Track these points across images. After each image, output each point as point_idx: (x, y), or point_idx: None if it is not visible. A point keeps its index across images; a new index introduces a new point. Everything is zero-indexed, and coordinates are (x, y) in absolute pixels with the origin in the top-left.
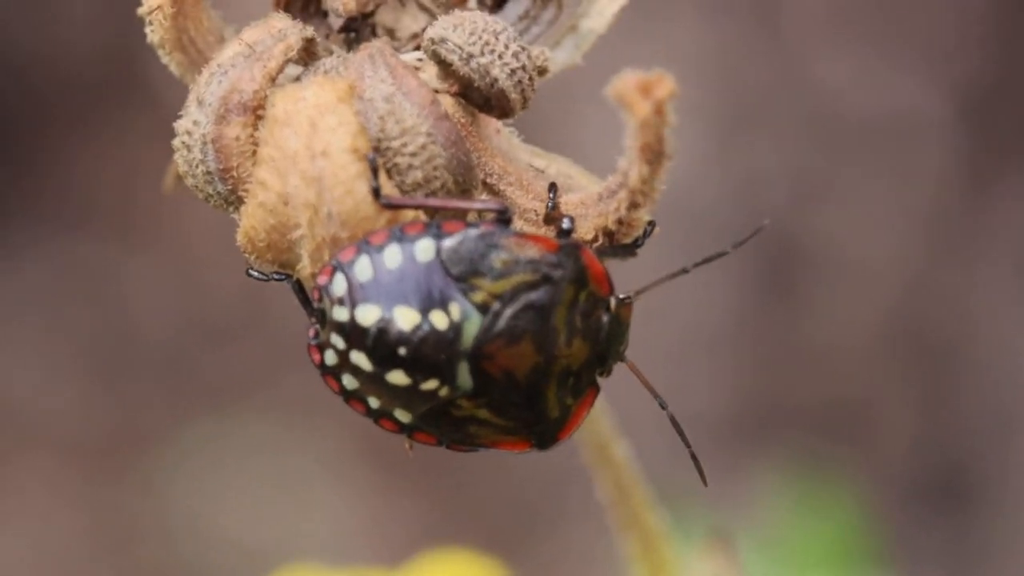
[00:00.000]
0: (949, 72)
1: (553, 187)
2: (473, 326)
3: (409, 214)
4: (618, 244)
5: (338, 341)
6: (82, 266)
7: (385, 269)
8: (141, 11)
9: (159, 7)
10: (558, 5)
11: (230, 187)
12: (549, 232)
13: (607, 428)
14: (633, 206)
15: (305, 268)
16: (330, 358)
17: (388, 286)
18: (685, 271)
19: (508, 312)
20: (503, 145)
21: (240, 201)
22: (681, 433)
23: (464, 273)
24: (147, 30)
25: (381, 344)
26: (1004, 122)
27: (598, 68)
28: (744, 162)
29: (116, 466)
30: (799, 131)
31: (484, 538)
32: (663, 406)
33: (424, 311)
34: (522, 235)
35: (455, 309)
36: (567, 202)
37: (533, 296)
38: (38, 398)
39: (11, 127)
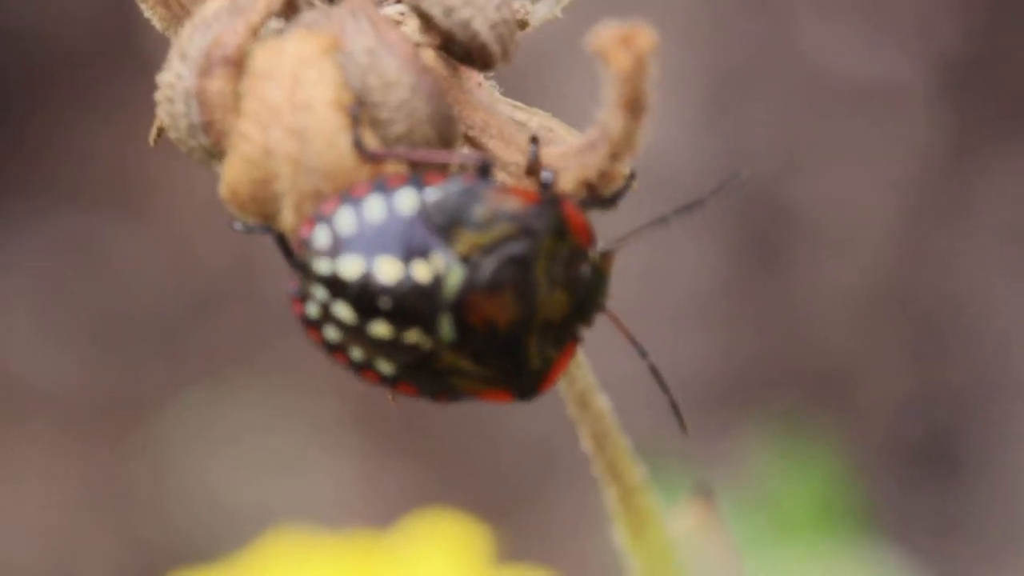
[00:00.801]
0: (935, 41)
1: (534, 140)
2: (455, 277)
3: (391, 167)
4: (599, 196)
5: (320, 293)
6: (75, 236)
7: (367, 221)
8: None
9: None
10: None
11: (213, 140)
12: (531, 185)
13: (588, 381)
14: (614, 159)
15: (287, 221)
16: (312, 310)
17: (370, 237)
18: (664, 219)
19: (490, 263)
20: (484, 98)
21: (223, 154)
22: (661, 382)
23: (446, 225)
24: None
25: (363, 295)
26: (990, 90)
27: (581, 22)
28: (731, 130)
29: (111, 434)
30: (786, 99)
31: (474, 502)
32: (643, 354)
33: (406, 262)
34: (503, 188)
35: (437, 260)
36: (548, 155)
37: (515, 248)
38: (32, 369)
39: (3, 99)
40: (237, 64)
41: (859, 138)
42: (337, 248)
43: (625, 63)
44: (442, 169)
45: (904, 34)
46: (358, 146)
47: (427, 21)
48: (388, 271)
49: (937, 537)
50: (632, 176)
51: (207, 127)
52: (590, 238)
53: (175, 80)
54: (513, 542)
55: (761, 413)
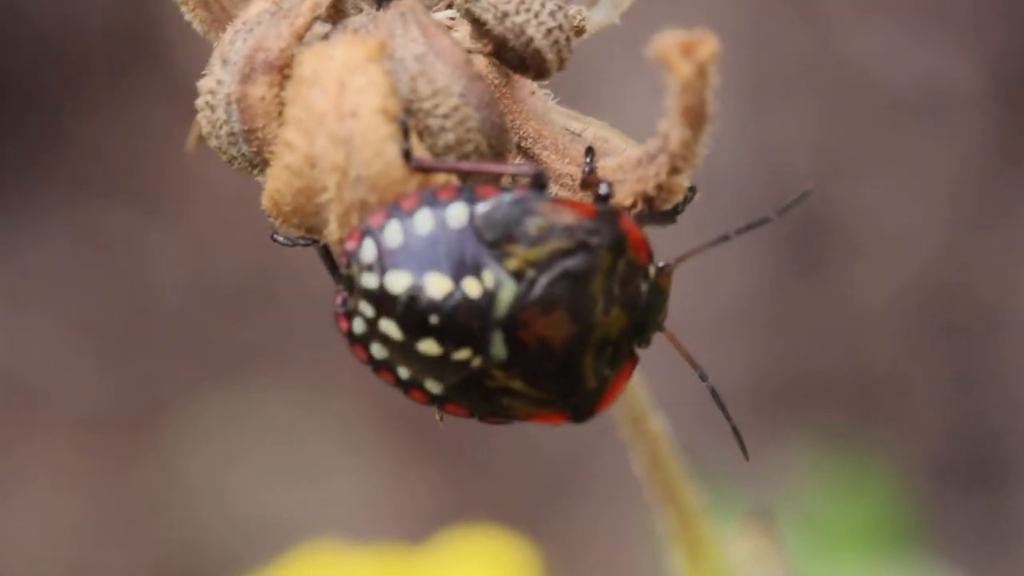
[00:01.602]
0: (981, 43)
1: (590, 151)
2: (507, 294)
3: (441, 178)
4: (657, 210)
5: (367, 309)
6: (96, 237)
7: (416, 234)
8: None
9: None
10: None
11: (255, 149)
12: (586, 198)
13: (643, 400)
14: (673, 171)
15: (332, 233)
16: (358, 326)
17: (419, 252)
18: (727, 238)
19: (543, 280)
20: (538, 107)
21: (265, 163)
22: (722, 406)
23: (498, 239)
24: None
25: (411, 312)
26: None
27: (635, 29)
28: (775, 133)
29: (129, 439)
30: (830, 102)
31: (506, 512)
32: (703, 378)
33: (456, 278)
34: (558, 200)
35: (488, 276)
36: (604, 167)
37: (569, 263)
38: (50, 371)
39: (30, 97)
40: (281, 70)
41: (904, 142)
42: (384, 262)
43: (687, 72)
44: (494, 181)
45: (953, 37)
46: (407, 156)
47: (479, 26)
48: (437, 287)
49: (983, 550)
50: (692, 190)
51: (249, 135)
52: (648, 254)
53: (216, 86)
54: (541, 552)
55: (805, 426)
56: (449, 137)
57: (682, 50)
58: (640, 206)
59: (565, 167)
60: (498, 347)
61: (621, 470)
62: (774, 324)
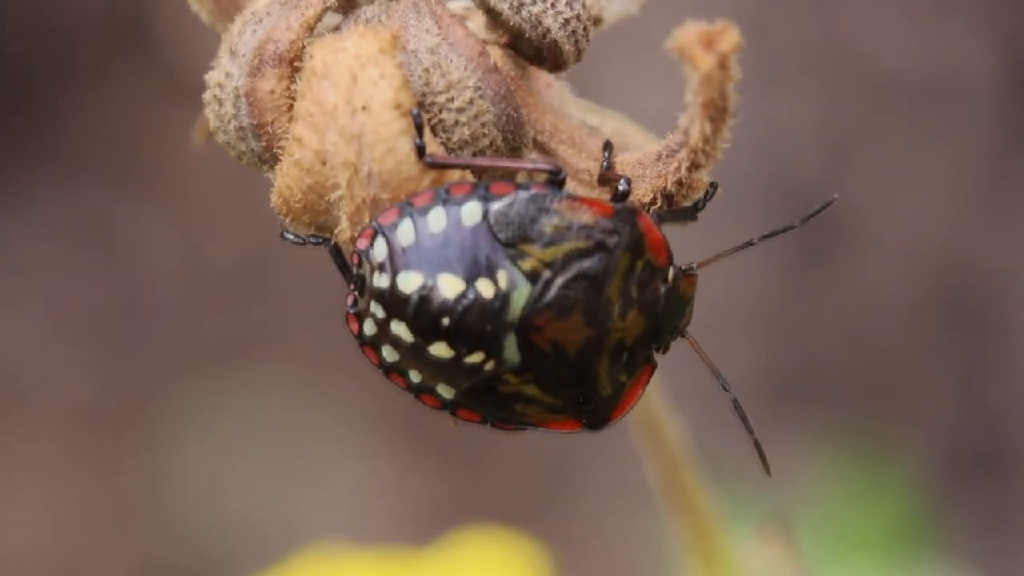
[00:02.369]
0: (992, 28)
1: (608, 146)
2: (521, 296)
3: (455, 174)
4: (677, 207)
5: (377, 310)
6: (87, 225)
7: (429, 233)
8: None
9: None
10: None
11: (264, 144)
12: (604, 194)
13: (659, 406)
14: (694, 166)
15: (344, 231)
16: (369, 328)
17: (431, 251)
18: (751, 243)
19: (559, 281)
20: (555, 100)
21: (275, 159)
22: (744, 418)
23: (513, 239)
24: None
25: (423, 314)
26: None
27: (654, 19)
28: (781, 119)
29: (122, 433)
30: (839, 89)
31: (509, 511)
32: (726, 388)
33: (469, 279)
34: (575, 198)
35: (503, 277)
36: (623, 162)
37: (586, 264)
38: (40, 363)
39: (21, 81)
40: (291, 62)
41: (914, 130)
42: (396, 262)
43: (708, 65)
44: (509, 177)
45: (963, 21)
46: (420, 152)
47: (495, 17)
48: (450, 288)
49: (997, 544)
50: (714, 185)
51: (258, 130)
52: (668, 255)
53: (224, 79)
54: (545, 552)
55: (816, 419)
56: (464, 132)
57: (703, 42)
58: (660, 203)
59: (582, 162)
60: (511, 351)
61: (626, 470)
62: (784, 316)
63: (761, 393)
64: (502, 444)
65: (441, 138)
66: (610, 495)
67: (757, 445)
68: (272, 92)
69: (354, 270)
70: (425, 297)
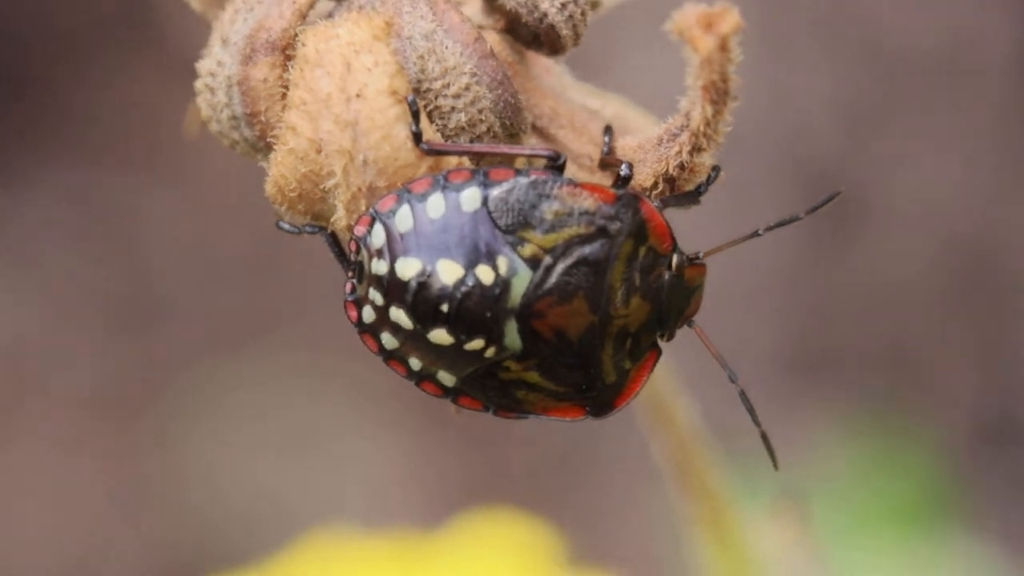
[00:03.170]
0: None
1: (608, 130)
2: (522, 282)
3: (453, 161)
4: (679, 191)
5: (376, 296)
6: (94, 206)
7: (427, 219)
8: None
9: None
10: None
11: (258, 133)
12: (605, 179)
13: (668, 389)
14: (696, 149)
15: (340, 220)
16: (368, 315)
17: (430, 237)
18: (757, 234)
19: (560, 267)
20: (554, 85)
21: (269, 148)
22: (751, 410)
23: (513, 225)
24: None
25: (422, 299)
26: None
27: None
28: (795, 94)
29: (129, 417)
30: (853, 62)
31: (523, 489)
32: (733, 379)
33: (469, 265)
34: (576, 184)
35: (502, 263)
36: (624, 146)
37: (587, 250)
38: (47, 346)
39: (26, 64)
40: (283, 50)
41: (932, 103)
42: (395, 248)
43: (709, 47)
44: (508, 163)
45: None
46: (416, 138)
47: (491, 2)
48: (449, 273)
49: (1014, 515)
50: (716, 169)
51: (251, 119)
52: (671, 241)
53: (216, 68)
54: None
55: (834, 398)
56: (461, 118)
57: (703, 24)
58: (662, 187)
59: (583, 147)
60: (512, 337)
61: (641, 448)
62: (802, 290)
63: (780, 368)
64: (515, 425)
65: (438, 125)
66: (624, 475)
67: (764, 438)
68: (265, 80)
69: (352, 257)
70: (424, 283)
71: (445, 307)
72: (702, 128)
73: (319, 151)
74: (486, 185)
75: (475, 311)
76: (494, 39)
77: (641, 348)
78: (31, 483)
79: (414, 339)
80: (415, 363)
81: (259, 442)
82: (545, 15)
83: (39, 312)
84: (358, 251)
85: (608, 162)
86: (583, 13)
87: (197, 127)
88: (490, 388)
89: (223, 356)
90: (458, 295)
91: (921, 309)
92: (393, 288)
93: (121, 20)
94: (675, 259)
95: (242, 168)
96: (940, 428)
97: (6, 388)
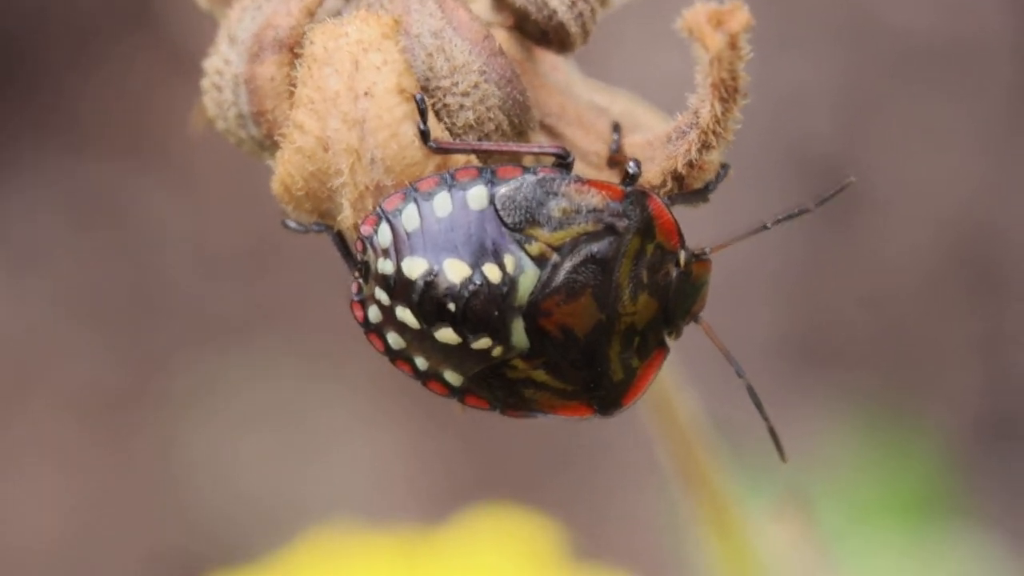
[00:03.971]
0: None
1: (617, 127)
2: (529, 280)
3: (460, 159)
4: (688, 189)
5: (383, 296)
6: (93, 200)
7: (434, 218)
8: None
9: None
10: None
11: (265, 131)
12: (613, 177)
13: (671, 387)
14: (705, 147)
15: (347, 218)
16: (374, 315)
17: (437, 236)
18: (765, 227)
19: (567, 265)
20: (562, 82)
21: (275, 146)
22: (759, 405)
23: (520, 223)
24: None
25: (429, 299)
26: None
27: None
28: (800, 84)
29: (130, 410)
30: (856, 52)
31: (527, 485)
32: (740, 374)
33: (475, 264)
34: (583, 181)
35: (510, 262)
36: (632, 143)
37: (595, 248)
38: (48, 339)
39: (30, 59)
40: (291, 48)
41: (931, 92)
42: (401, 247)
43: (718, 44)
44: (516, 161)
45: None
46: (424, 136)
47: None
48: (456, 272)
49: (1018, 508)
50: (725, 167)
51: (258, 117)
52: (679, 238)
53: (223, 66)
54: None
55: (836, 387)
56: (469, 116)
57: (713, 21)
58: (670, 185)
59: (591, 144)
60: (519, 336)
61: (644, 444)
62: (805, 282)
63: (783, 360)
64: (517, 421)
65: (446, 123)
66: (626, 470)
67: (772, 432)
68: (272, 79)
69: (358, 256)
70: (431, 282)
71: (452, 306)
72: (711, 126)
73: (326, 149)
74: (493, 183)
75: (482, 310)
76: (502, 36)
77: (648, 346)
78: (27, 479)
79: (420, 339)
80: (421, 363)
81: (260, 437)
82: (554, 12)
83: (40, 305)
84: (364, 250)
85: (616, 159)
86: (592, 10)
87: (203, 125)
88: (497, 387)
89: (223, 351)
90: (465, 294)
91: (923, 302)
92: (400, 288)
93: (117, 9)
94: (683, 256)
95: (243, 163)
96: (942, 422)
97: (1, 386)
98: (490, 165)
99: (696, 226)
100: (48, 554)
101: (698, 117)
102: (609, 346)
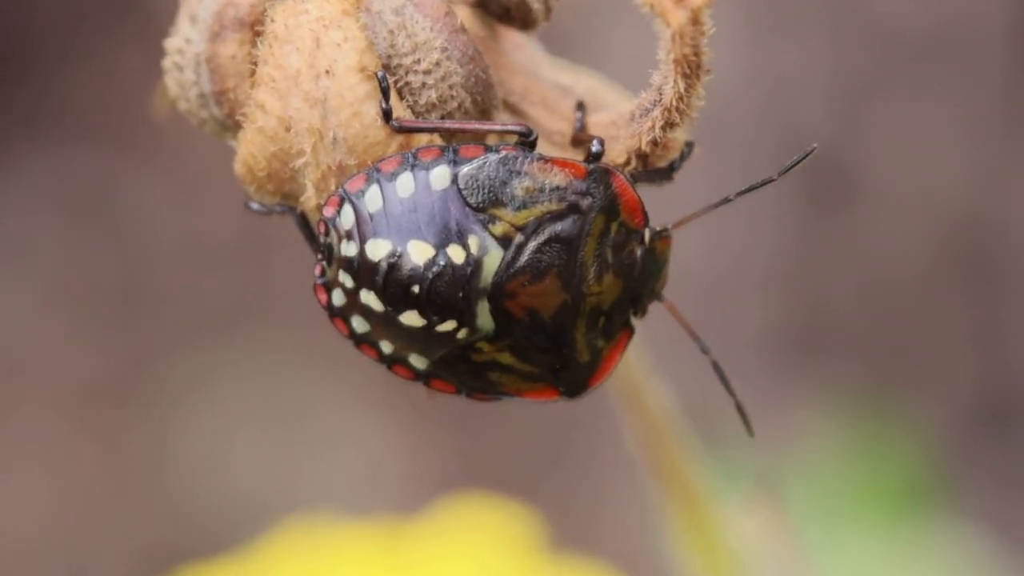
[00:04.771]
0: None
1: (580, 106)
2: (493, 261)
3: (423, 138)
4: (652, 168)
5: (346, 279)
6: (85, 192)
7: (397, 199)
8: None
9: None
10: None
11: (226, 111)
12: (577, 155)
13: (640, 372)
14: (669, 125)
15: (310, 199)
16: (338, 298)
17: (400, 217)
18: (728, 200)
19: (531, 245)
20: (525, 61)
21: (237, 126)
22: (725, 381)
23: (483, 203)
24: None
25: (393, 281)
26: None
27: None
28: (790, 72)
29: (120, 408)
30: (848, 39)
31: (512, 475)
32: (705, 351)
33: (440, 245)
34: (547, 160)
35: (474, 242)
36: (596, 122)
37: (559, 227)
38: (38, 332)
39: (21, 50)
40: (252, 26)
41: (925, 82)
42: (364, 229)
43: (680, 20)
44: (479, 140)
45: None
46: (386, 116)
47: None
48: (420, 254)
49: (1007, 502)
50: (690, 145)
51: (219, 97)
52: (643, 217)
53: (184, 45)
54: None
55: (822, 379)
56: (431, 94)
57: None
58: (634, 163)
59: (555, 123)
60: (484, 318)
61: (621, 434)
62: (796, 271)
63: (774, 349)
64: (495, 410)
65: (408, 101)
66: (604, 460)
67: (739, 408)
68: (233, 57)
69: (321, 239)
70: (394, 264)
71: (416, 289)
72: (675, 103)
73: (288, 129)
74: (456, 162)
75: (446, 292)
76: (465, 14)
77: (614, 326)
78: (17, 473)
79: (385, 322)
80: (387, 347)
81: (251, 432)
82: None
83: (30, 298)
84: (327, 232)
85: (580, 138)
86: None
87: (167, 106)
88: (462, 371)
89: (214, 345)
90: (429, 276)
91: (916, 292)
92: (363, 271)
93: (106, 2)
94: (647, 235)
95: (232, 151)
96: (929, 413)
97: None
98: (453, 144)
99: (689, 209)
100: (39, 548)
101: (661, 95)
102: (575, 327)
